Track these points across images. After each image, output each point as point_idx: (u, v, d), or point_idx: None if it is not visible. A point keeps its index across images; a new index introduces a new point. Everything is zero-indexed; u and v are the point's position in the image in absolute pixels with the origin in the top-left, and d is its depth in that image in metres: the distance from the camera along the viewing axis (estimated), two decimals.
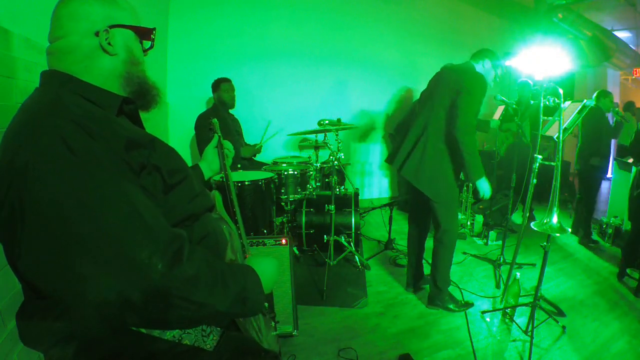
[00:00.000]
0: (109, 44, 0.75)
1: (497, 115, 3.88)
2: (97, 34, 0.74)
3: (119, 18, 0.77)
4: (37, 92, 0.74)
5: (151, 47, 0.86)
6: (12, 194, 0.59)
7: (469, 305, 2.37)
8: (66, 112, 0.65)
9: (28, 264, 0.61)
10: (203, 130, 3.05)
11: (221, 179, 1.19)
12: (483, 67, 2.19)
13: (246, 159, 3.24)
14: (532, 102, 3.71)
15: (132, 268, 0.59)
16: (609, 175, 4.62)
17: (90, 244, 0.58)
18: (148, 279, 0.59)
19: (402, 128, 4.32)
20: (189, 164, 0.94)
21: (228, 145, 1.21)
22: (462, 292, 2.52)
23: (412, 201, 2.48)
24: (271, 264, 0.87)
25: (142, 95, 0.84)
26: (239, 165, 2.89)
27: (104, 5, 0.76)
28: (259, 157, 3.58)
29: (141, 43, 0.84)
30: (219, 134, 1.18)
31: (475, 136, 2.02)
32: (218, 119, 3.39)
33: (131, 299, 0.58)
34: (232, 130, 3.29)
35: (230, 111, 3.38)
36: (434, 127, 2.12)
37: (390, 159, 2.37)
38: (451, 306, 2.32)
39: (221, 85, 3.22)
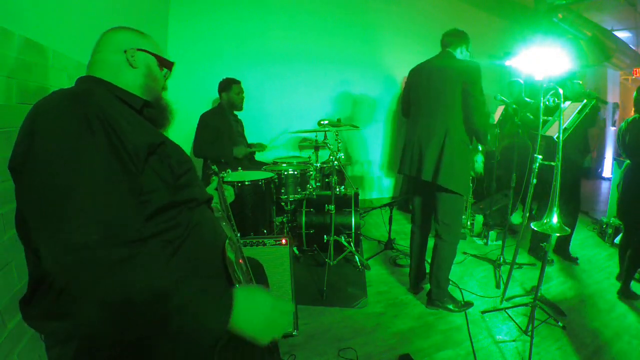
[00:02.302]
0: (134, 58, 0.96)
1: (497, 115, 3.88)
2: (125, 51, 0.95)
3: (144, 45, 0.99)
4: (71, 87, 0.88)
5: (167, 73, 1.09)
6: (28, 149, 0.70)
7: (469, 305, 2.37)
8: (93, 98, 0.78)
9: (24, 206, 0.74)
10: (205, 129, 3.04)
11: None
12: (461, 53, 2.24)
13: (241, 159, 3.20)
14: (529, 100, 3.71)
15: (62, 234, 0.65)
16: (609, 175, 4.62)
17: (47, 206, 0.67)
18: (67, 245, 0.64)
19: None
20: None
21: (228, 188, 1.35)
22: (462, 292, 2.53)
23: (415, 201, 2.47)
24: (263, 301, 0.77)
25: (158, 109, 1.03)
26: (239, 168, 2.90)
27: (134, 34, 0.99)
28: (259, 157, 3.57)
29: (164, 74, 1.06)
30: (219, 177, 1.31)
31: (490, 118, 2.12)
32: (223, 119, 3.40)
33: (54, 257, 0.65)
34: (235, 132, 3.28)
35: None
36: (454, 124, 2.13)
37: (409, 169, 2.30)
38: (451, 306, 2.32)
39: (233, 87, 3.17)
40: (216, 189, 1.29)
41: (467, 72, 2.07)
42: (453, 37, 2.23)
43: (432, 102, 2.20)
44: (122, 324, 0.67)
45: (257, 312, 0.75)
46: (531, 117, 2.75)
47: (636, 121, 2.45)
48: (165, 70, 1.07)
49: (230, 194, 1.35)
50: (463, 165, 2.15)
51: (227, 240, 0.97)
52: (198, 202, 0.94)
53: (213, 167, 1.33)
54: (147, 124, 0.91)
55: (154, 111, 1.01)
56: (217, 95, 3.26)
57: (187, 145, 3.92)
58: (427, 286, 2.43)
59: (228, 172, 2.63)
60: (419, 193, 2.42)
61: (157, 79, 1.02)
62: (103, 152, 0.72)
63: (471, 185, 3.77)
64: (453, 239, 2.26)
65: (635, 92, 2.49)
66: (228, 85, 3.18)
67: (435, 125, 2.15)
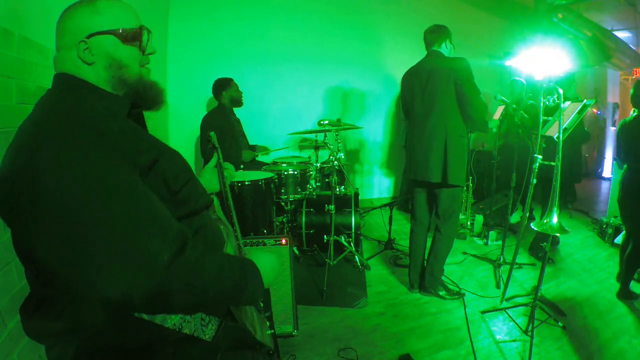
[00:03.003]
0: (88, 51, 0.77)
1: (497, 115, 3.88)
2: (77, 45, 0.76)
3: (97, 25, 0.77)
4: (51, 94, 0.77)
5: (140, 44, 0.84)
6: (30, 190, 0.62)
7: (460, 295, 2.45)
8: (83, 114, 0.70)
9: (47, 254, 0.65)
10: (208, 131, 3.04)
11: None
12: (447, 47, 2.29)
13: (246, 162, 3.24)
14: (530, 101, 3.71)
15: (142, 259, 0.63)
16: (609, 175, 4.61)
17: (107, 237, 0.62)
18: (155, 268, 0.63)
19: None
20: (191, 165, 0.96)
21: (229, 166, 1.23)
22: (460, 290, 2.53)
23: (416, 199, 2.49)
24: (270, 259, 0.90)
25: (139, 96, 0.84)
26: (241, 167, 2.90)
27: (84, 15, 0.77)
28: (259, 157, 3.58)
29: (138, 45, 0.83)
30: (219, 152, 1.20)
31: (487, 110, 2.20)
32: (225, 119, 3.41)
33: (139, 288, 0.63)
34: (237, 131, 3.29)
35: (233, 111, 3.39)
36: (452, 122, 2.21)
37: (414, 174, 2.38)
38: (442, 293, 2.43)
39: (231, 83, 3.21)
40: (215, 167, 1.19)
41: (456, 71, 2.14)
42: (434, 34, 2.28)
43: (427, 104, 2.26)
44: (223, 306, 0.81)
45: (268, 270, 0.87)
46: (526, 116, 2.77)
47: (629, 124, 2.46)
48: (135, 42, 0.82)
49: (230, 173, 1.25)
50: (463, 159, 2.27)
51: (228, 244, 0.95)
52: (199, 212, 0.88)
53: (212, 134, 1.22)
54: (140, 133, 0.78)
55: (140, 108, 0.88)
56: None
57: (188, 146, 3.92)
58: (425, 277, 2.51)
59: None
60: (419, 191, 2.47)
61: (123, 65, 0.80)
62: (123, 163, 0.68)
63: (471, 185, 3.77)
64: (452, 233, 2.38)
65: (632, 89, 2.48)
66: (226, 84, 3.20)
67: (435, 127, 2.22)
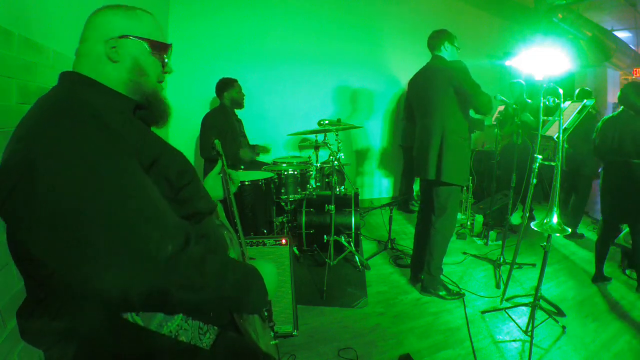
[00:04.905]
0: (115, 50, 0.80)
1: (495, 114, 3.88)
2: (106, 42, 0.80)
3: (134, 30, 0.82)
4: (54, 90, 0.78)
5: (164, 59, 0.92)
6: (25, 181, 0.61)
7: (460, 295, 2.47)
8: (83, 107, 0.70)
9: (41, 247, 0.64)
10: (209, 130, 3.03)
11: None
12: (446, 49, 2.36)
13: (245, 162, 3.23)
14: (529, 101, 3.71)
15: (141, 252, 0.62)
16: None
17: (103, 229, 0.61)
18: (155, 261, 0.63)
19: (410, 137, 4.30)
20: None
21: (234, 175, 1.23)
22: (460, 290, 2.52)
23: (423, 196, 2.60)
24: (272, 269, 0.89)
25: (150, 107, 0.87)
26: (241, 167, 2.89)
27: (124, 17, 0.82)
28: (259, 157, 3.57)
29: (162, 59, 0.89)
30: (223, 158, 1.18)
31: (492, 102, 2.23)
32: (226, 119, 3.41)
33: (138, 282, 0.62)
34: (238, 132, 3.29)
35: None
36: (451, 124, 2.26)
37: (417, 172, 2.48)
38: (442, 293, 2.44)
39: (234, 84, 3.19)
40: (219, 174, 1.18)
41: (453, 74, 2.22)
42: (435, 39, 2.38)
43: (428, 105, 2.35)
44: (225, 309, 0.79)
45: (271, 279, 0.87)
46: (531, 117, 2.78)
47: (615, 119, 2.57)
48: (161, 55, 0.89)
49: (235, 178, 1.23)
50: (463, 159, 2.33)
51: (231, 250, 0.93)
52: (203, 215, 0.87)
53: (216, 141, 1.20)
54: (143, 129, 0.82)
55: (146, 111, 0.88)
56: (215, 95, 3.27)
57: (188, 147, 3.92)
58: (423, 276, 2.52)
59: None
60: (424, 188, 2.58)
61: (145, 73, 0.84)
62: (123, 153, 0.68)
63: (471, 185, 3.77)
64: (445, 229, 2.40)
65: (620, 92, 2.58)
66: (229, 84, 3.19)
67: (433, 126, 2.31)
